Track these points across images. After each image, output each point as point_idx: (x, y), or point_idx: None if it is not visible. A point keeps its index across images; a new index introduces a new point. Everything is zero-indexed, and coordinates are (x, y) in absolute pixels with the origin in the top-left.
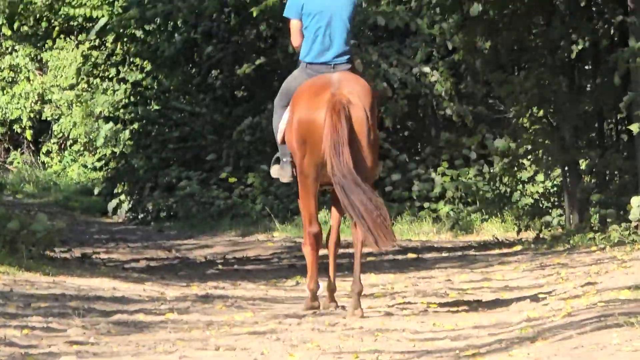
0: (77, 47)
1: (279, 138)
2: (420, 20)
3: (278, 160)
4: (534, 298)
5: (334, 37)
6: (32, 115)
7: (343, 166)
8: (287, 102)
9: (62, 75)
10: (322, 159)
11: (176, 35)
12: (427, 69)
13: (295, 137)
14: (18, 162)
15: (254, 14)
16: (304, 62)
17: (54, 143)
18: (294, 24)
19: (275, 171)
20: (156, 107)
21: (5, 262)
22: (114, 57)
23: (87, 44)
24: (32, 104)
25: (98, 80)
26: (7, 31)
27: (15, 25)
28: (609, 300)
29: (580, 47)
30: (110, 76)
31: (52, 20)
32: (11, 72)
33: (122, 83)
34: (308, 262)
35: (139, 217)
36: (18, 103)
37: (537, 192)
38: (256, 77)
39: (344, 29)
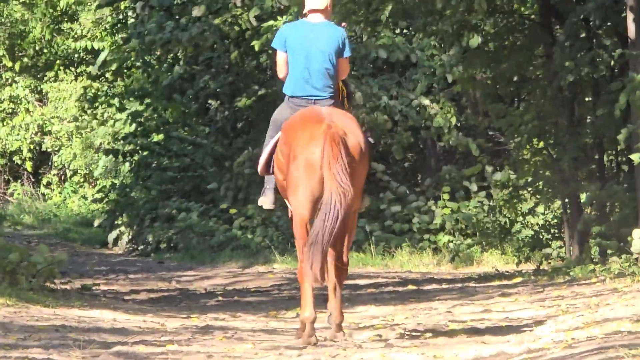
0: (77, 79)
1: (260, 167)
2: (420, 52)
3: None
4: (535, 329)
5: (313, 72)
6: (32, 146)
7: (341, 196)
8: (275, 133)
9: (62, 107)
10: (318, 187)
11: (176, 66)
12: (427, 102)
13: (293, 167)
14: (18, 194)
15: (256, 48)
16: (286, 94)
17: (54, 175)
18: (280, 56)
19: (260, 200)
20: (156, 139)
21: (6, 294)
22: (114, 89)
23: (87, 75)
24: (32, 136)
25: (98, 110)
26: (8, 62)
27: (17, 64)
28: (609, 332)
29: (573, 77)
30: (110, 102)
31: (53, 52)
32: (11, 103)
33: (122, 112)
34: (302, 292)
35: (139, 248)
36: (18, 134)
37: (538, 223)
38: (256, 108)
39: (325, 64)
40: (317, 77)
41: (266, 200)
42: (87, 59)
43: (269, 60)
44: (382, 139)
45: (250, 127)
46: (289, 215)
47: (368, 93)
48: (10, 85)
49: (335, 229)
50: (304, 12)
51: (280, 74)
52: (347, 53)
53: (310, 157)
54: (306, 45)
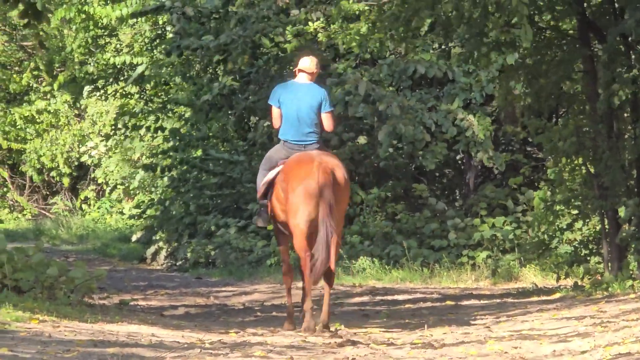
0: (115, 95)
1: (259, 194)
2: (457, 69)
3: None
4: (573, 346)
5: (302, 121)
6: (70, 162)
7: (332, 217)
8: (269, 167)
9: (100, 122)
10: (314, 209)
11: (215, 83)
12: (464, 116)
13: (293, 196)
14: (58, 209)
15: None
16: (281, 139)
17: (92, 190)
18: (274, 110)
19: (255, 219)
20: (194, 154)
21: (44, 309)
22: (153, 105)
23: (127, 89)
24: (70, 151)
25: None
26: (47, 78)
27: (57, 80)
28: None
29: (619, 100)
30: (148, 125)
31: (91, 68)
32: (50, 117)
33: (159, 131)
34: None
35: (177, 264)
36: (56, 149)
37: (576, 239)
38: None
39: (311, 116)
40: (305, 126)
41: (261, 220)
42: (125, 76)
43: None
44: (419, 153)
45: None
46: (274, 231)
47: (405, 105)
48: (49, 100)
49: (331, 243)
50: (294, 70)
51: (274, 125)
52: (327, 108)
53: (307, 187)
54: (294, 100)
